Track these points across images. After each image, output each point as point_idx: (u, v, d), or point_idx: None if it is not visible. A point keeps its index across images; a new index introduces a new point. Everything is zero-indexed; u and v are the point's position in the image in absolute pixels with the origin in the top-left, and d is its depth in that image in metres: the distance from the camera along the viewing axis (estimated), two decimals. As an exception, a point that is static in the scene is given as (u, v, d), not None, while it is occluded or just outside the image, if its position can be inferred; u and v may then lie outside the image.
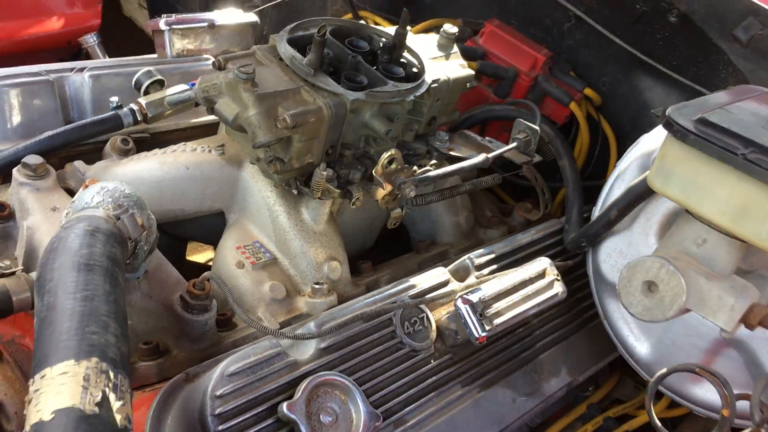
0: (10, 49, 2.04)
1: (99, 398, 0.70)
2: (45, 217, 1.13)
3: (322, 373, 0.95)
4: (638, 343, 1.16)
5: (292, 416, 0.88)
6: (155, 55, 1.54)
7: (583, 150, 1.62)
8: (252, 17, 1.60)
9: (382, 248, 1.47)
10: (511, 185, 1.67)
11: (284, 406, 0.89)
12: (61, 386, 0.70)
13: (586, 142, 1.62)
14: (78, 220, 0.92)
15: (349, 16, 1.93)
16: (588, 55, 1.63)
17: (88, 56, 2.00)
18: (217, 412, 0.86)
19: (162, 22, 1.46)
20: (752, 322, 0.76)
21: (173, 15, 1.47)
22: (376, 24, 1.87)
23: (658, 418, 1.12)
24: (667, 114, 0.83)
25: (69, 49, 2.06)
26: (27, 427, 0.69)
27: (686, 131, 0.80)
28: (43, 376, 0.72)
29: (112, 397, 0.71)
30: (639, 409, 1.41)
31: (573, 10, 1.62)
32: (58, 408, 0.68)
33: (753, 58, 1.28)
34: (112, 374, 0.73)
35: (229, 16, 1.56)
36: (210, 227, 1.31)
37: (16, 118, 1.26)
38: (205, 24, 1.49)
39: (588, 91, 1.60)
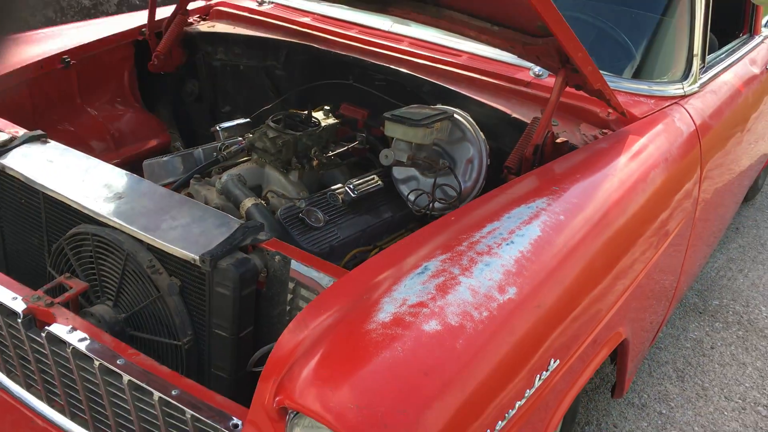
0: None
1: (258, 202, 2.94)
2: (209, 191, 3.36)
3: (310, 208, 3.20)
4: (407, 191, 3.46)
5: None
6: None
7: (392, 145, 3.97)
8: (248, 120, 3.89)
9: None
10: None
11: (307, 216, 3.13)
12: (248, 201, 2.93)
13: (393, 142, 3.98)
14: (226, 181, 3.18)
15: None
16: (385, 107, 4.02)
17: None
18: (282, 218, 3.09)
19: (217, 127, 3.73)
20: (410, 159, 3.08)
21: (223, 123, 3.74)
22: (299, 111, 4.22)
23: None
24: (384, 114, 3.16)
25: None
26: (242, 211, 2.92)
27: (387, 117, 3.13)
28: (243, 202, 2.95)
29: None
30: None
31: (371, 90, 4.00)
32: (249, 204, 2.92)
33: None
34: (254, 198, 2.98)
35: (239, 120, 3.85)
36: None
37: (180, 166, 3.50)
38: (234, 124, 3.77)
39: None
